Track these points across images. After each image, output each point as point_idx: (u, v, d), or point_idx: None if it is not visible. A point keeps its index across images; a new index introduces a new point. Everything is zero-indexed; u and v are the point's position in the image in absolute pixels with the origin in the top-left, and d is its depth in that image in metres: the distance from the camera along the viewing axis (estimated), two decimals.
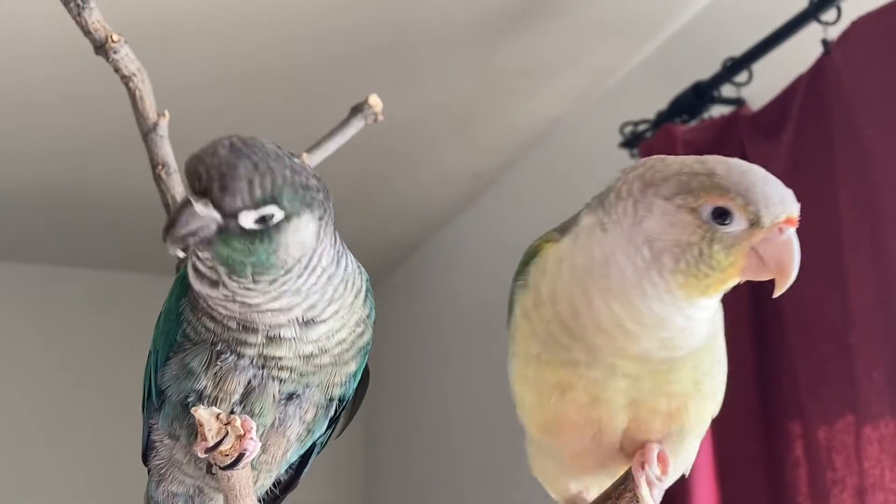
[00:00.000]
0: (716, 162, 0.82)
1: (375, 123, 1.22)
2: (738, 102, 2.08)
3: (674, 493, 1.91)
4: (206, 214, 0.74)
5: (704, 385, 0.88)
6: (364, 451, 4.15)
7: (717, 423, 1.88)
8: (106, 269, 3.82)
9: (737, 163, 0.83)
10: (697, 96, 2.12)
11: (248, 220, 0.76)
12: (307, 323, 0.81)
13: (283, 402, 0.84)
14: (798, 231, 1.84)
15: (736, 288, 1.95)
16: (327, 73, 2.53)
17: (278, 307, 0.79)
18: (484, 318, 3.21)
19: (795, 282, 1.81)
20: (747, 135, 1.98)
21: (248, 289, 0.78)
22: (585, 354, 0.82)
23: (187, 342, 0.82)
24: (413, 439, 3.69)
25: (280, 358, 0.81)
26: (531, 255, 0.90)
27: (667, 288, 0.79)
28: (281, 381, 0.82)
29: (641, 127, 2.28)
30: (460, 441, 3.29)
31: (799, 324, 1.79)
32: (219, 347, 0.81)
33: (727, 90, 2.11)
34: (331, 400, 0.88)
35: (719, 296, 0.85)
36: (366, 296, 0.89)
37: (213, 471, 0.77)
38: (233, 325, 0.80)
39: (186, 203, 0.74)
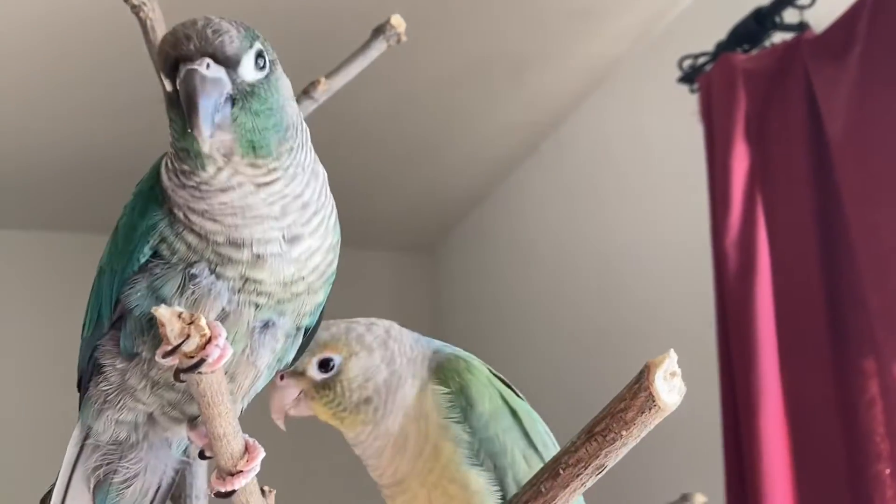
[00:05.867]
0: None
1: (398, 44, 1.17)
2: (801, 27, 1.97)
3: (741, 436, 1.85)
4: (215, 74, 0.73)
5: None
6: None
7: (785, 363, 1.82)
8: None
9: None
10: (758, 23, 2.02)
11: (249, 67, 0.75)
12: (292, 239, 0.79)
13: (256, 329, 0.81)
14: (867, 156, 1.75)
15: (801, 218, 1.86)
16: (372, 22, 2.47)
17: (285, 194, 0.77)
18: (550, 267, 3.15)
19: (865, 209, 1.71)
20: (811, 59, 1.87)
21: (272, 169, 0.76)
22: None
23: (158, 262, 0.78)
24: None
25: (260, 282, 0.78)
26: None
27: None
28: (257, 306, 0.79)
29: (701, 60, 2.18)
30: (528, 388, 3.25)
31: (871, 254, 1.69)
32: (194, 270, 0.77)
33: (789, 15, 2.00)
34: (298, 329, 0.86)
35: None
36: (335, 219, 0.85)
37: (181, 377, 0.71)
38: (220, 239, 0.76)
39: (190, 73, 0.71)
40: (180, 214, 0.77)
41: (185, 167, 0.76)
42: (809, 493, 1.78)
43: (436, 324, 4.20)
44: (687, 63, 2.21)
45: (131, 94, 2.76)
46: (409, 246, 4.02)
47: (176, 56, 0.73)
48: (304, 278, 0.81)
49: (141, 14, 1.05)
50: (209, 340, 0.69)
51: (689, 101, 2.20)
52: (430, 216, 3.80)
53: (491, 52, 2.68)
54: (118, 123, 2.96)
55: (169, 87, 0.75)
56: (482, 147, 3.26)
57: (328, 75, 1.15)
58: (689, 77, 2.20)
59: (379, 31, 1.19)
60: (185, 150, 0.75)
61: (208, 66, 0.72)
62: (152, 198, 0.79)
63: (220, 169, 0.75)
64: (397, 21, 1.19)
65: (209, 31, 0.73)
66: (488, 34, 2.60)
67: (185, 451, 0.91)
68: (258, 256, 0.77)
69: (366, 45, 1.19)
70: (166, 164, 0.79)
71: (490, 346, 3.62)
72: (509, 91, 2.90)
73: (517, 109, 3.01)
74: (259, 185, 0.76)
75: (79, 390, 0.89)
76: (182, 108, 0.73)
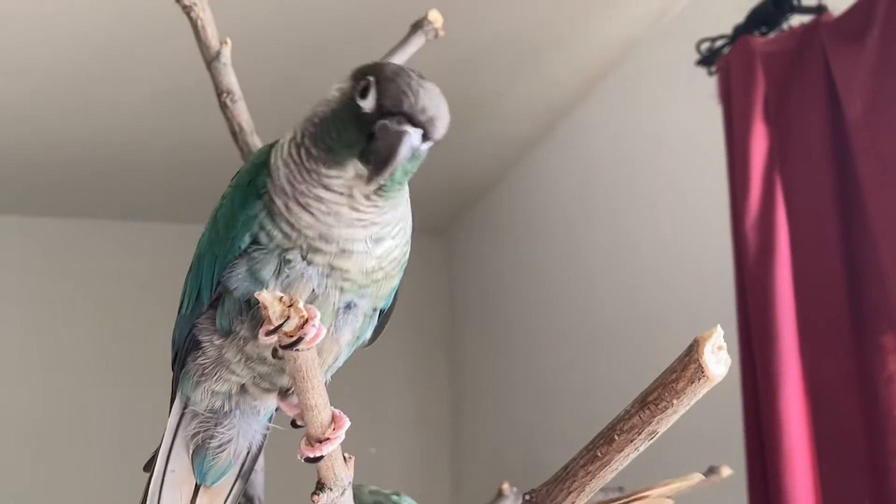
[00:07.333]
0: None
1: (436, 39, 1.20)
2: (819, 10, 2.00)
3: (761, 413, 1.88)
4: (419, 145, 0.82)
5: None
6: (449, 384, 4.19)
7: (805, 342, 1.85)
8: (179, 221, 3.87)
9: None
10: (776, 6, 2.04)
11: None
12: (377, 240, 0.87)
13: (340, 310, 0.89)
14: (885, 137, 1.77)
15: (820, 199, 1.89)
16: (388, 6, 2.49)
17: (380, 221, 0.86)
18: (565, 250, 3.18)
19: (884, 190, 1.74)
20: (829, 42, 1.89)
21: (377, 206, 0.84)
22: None
23: (257, 248, 0.86)
24: (495, 372, 3.70)
25: (346, 270, 0.86)
26: None
27: None
28: (342, 290, 0.88)
29: (719, 43, 2.20)
30: (541, 371, 3.29)
31: (890, 233, 1.72)
32: (289, 255, 0.85)
33: None
34: (374, 310, 0.94)
35: None
36: (410, 216, 0.94)
37: (280, 354, 0.79)
38: (311, 233, 0.84)
39: (404, 135, 0.80)
40: (281, 205, 0.85)
41: (315, 153, 0.83)
42: (829, 469, 1.82)
43: (451, 307, 4.23)
44: (705, 46, 2.23)
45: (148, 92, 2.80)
46: (423, 229, 4.03)
47: (402, 111, 0.81)
48: (383, 268, 0.89)
49: (192, 14, 1.08)
50: (306, 321, 0.76)
51: (707, 84, 2.22)
52: (445, 199, 3.82)
53: (506, 34, 2.70)
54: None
55: (366, 107, 0.82)
56: (497, 130, 3.28)
57: None
58: (707, 60, 2.22)
59: (417, 26, 1.22)
60: (335, 152, 0.82)
61: (423, 137, 0.82)
62: (251, 191, 0.87)
63: (340, 178, 0.83)
64: (434, 16, 1.22)
65: (440, 112, 0.82)
66: (504, 16, 2.62)
67: (270, 419, 1.00)
68: (344, 250, 0.86)
69: (404, 41, 1.22)
70: (289, 152, 0.85)
71: (504, 329, 3.65)
72: (525, 74, 2.92)
73: (533, 92, 3.03)
74: (355, 209, 0.84)
75: (173, 367, 0.97)
76: (377, 144, 0.80)
